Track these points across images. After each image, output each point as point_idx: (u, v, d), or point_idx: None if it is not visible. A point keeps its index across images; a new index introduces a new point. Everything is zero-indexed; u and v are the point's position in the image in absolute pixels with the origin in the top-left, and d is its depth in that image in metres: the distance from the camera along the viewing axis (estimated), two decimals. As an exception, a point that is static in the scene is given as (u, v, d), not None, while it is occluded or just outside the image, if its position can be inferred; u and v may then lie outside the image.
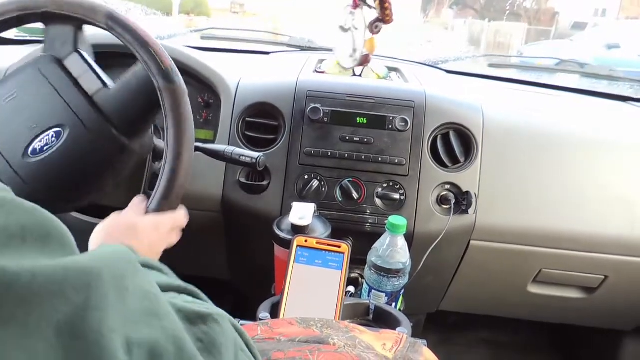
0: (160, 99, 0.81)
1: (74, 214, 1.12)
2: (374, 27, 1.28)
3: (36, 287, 0.28)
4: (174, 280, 0.56)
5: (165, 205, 0.81)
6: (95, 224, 0.80)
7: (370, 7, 1.26)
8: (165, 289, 0.52)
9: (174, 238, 0.84)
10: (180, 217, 0.85)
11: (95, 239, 0.77)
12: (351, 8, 1.28)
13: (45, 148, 0.82)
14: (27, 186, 0.82)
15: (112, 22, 0.82)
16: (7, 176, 0.82)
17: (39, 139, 0.82)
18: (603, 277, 1.25)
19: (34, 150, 0.82)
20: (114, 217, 0.79)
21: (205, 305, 0.45)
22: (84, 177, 0.87)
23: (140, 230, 0.77)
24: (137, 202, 0.83)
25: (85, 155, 0.84)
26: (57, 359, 0.28)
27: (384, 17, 1.27)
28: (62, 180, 0.85)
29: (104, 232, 0.77)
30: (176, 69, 0.83)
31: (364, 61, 1.34)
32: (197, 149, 1.00)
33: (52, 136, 0.82)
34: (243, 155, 0.96)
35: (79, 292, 0.30)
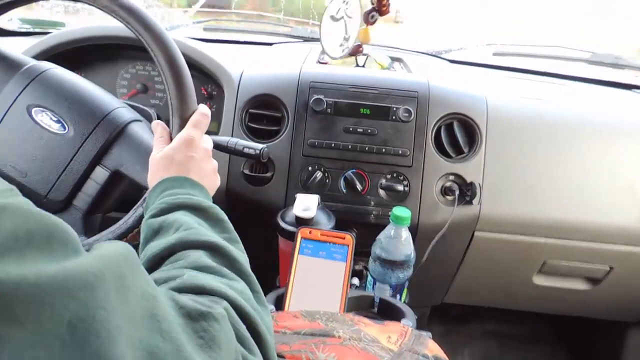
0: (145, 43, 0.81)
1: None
2: (369, 17, 1.27)
3: (42, 287, 0.29)
4: (209, 235, 0.59)
5: (185, 110, 0.80)
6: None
7: None
8: (196, 245, 0.57)
9: (211, 160, 0.80)
10: (202, 136, 0.80)
11: (150, 181, 0.75)
12: None
13: (55, 119, 0.86)
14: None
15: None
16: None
17: (44, 124, 0.85)
18: (608, 268, 1.25)
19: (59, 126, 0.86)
20: (151, 159, 0.77)
21: (207, 304, 0.46)
22: None
23: (178, 158, 0.74)
24: (158, 133, 0.80)
25: None
26: (72, 355, 0.29)
27: (381, 7, 1.25)
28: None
29: (151, 176, 0.76)
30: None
31: (356, 51, 1.32)
32: None
33: (49, 117, 0.86)
34: (247, 147, 0.96)
35: (85, 291, 0.31)
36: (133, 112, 0.94)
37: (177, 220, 0.62)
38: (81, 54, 1.25)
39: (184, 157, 0.74)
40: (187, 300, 0.45)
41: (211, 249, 0.58)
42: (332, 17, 1.29)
